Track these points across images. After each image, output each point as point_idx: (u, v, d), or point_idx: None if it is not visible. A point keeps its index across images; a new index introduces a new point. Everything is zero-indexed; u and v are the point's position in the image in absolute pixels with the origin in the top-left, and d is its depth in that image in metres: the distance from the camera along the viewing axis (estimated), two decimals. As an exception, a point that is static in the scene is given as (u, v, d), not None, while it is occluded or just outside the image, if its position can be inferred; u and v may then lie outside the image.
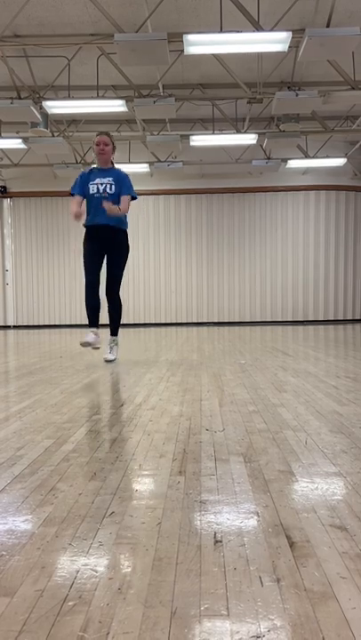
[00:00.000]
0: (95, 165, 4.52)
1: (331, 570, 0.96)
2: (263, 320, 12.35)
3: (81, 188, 4.36)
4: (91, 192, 4.33)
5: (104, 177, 4.35)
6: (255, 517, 1.20)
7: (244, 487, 1.39)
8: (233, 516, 1.20)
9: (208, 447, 1.77)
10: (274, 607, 0.85)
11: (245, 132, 9.55)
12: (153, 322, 12.56)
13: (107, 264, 4.44)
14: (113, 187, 4.33)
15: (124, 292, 12.38)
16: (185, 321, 12.51)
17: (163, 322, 12.55)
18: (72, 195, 4.39)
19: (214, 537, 1.10)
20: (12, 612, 0.85)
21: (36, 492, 1.38)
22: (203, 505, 1.27)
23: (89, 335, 4.33)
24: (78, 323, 11.97)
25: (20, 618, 0.83)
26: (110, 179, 4.35)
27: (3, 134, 9.88)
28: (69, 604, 0.87)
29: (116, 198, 4.32)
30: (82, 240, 4.50)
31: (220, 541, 1.08)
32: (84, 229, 4.48)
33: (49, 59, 7.84)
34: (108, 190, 4.31)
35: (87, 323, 4.46)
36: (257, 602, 0.86)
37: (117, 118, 10.05)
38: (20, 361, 4.78)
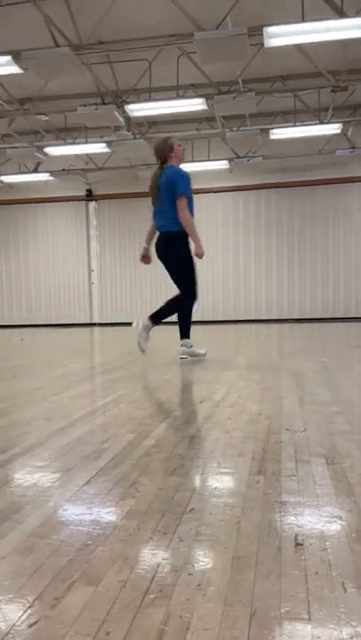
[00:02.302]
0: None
1: None
2: (347, 316, 11.92)
3: None
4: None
5: None
6: (338, 521, 1.16)
7: (327, 490, 1.35)
8: (315, 519, 1.18)
9: (288, 447, 1.74)
10: (357, 615, 0.82)
11: (329, 122, 9.25)
12: (232, 319, 12.51)
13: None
14: None
15: (203, 290, 12.42)
16: (265, 318, 12.35)
17: (242, 319, 12.47)
18: (187, 196, 4.12)
19: (295, 539, 1.08)
20: (97, 602, 0.88)
21: (118, 485, 1.42)
22: (283, 506, 1.26)
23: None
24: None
25: (104, 607, 0.86)
26: None
27: (88, 139, 10.26)
28: (150, 596, 0.89)
29: None
30: (181, 247, 4.28)
31: (302, 544, 1.06)
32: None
33: (130, 63, 8.02)
34: None
35: (162, 321, 4.57)
36: (339, 608, 0.84)
37: (196, 117, 10.09)
38: (104, 357, 4.95)
